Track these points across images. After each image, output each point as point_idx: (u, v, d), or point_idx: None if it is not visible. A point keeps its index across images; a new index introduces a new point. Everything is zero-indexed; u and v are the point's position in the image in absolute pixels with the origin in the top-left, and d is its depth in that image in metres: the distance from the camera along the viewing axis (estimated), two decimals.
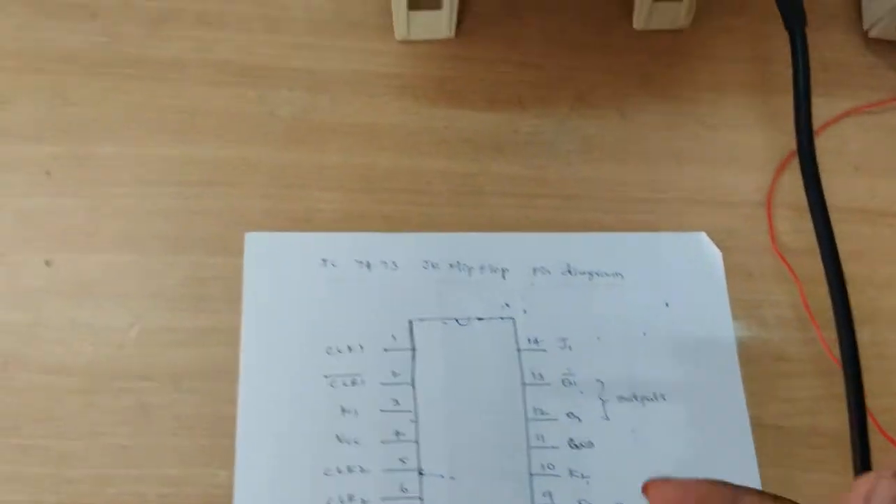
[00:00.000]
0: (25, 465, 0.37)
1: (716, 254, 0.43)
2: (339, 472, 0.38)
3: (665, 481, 0.27)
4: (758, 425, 0.40)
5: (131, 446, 0.38)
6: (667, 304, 0.42)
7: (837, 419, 0.40)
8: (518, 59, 0.46)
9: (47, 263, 0.40)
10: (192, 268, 0.41)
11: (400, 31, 0.46)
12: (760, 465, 0.39)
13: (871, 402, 0.39)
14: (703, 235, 0.44)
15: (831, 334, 0.40)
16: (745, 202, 0.45)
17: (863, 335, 0.40)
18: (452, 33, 0.46)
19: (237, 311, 0.40)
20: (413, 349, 0.41)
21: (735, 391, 0.41)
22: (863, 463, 0.38)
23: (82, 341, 0.39)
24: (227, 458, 0.38)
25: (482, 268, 0.42)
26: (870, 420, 0.39)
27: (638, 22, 0.47)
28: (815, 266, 0.42)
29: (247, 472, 0.38)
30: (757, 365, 0.41)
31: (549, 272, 0.43)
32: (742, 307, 0.42)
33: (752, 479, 0.39)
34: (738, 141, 0.46)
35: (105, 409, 0.38)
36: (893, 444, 0.40)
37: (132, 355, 0.39)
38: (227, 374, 0.39)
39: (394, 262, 0.42)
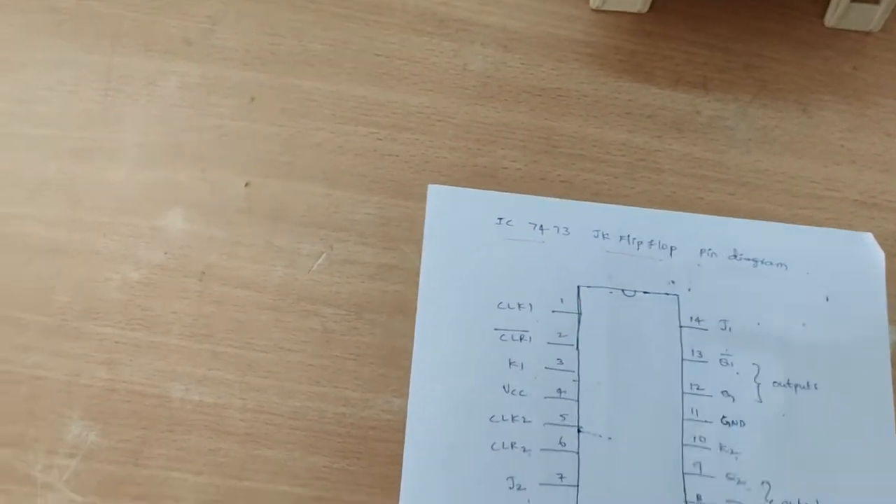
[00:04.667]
0: (217, 370, 0.40)
1: (879, 255, 0.44)
2: (504, 419, 0.40)
3: None
4: None
5: (314, 365, 0.40)
6: (827, 299, 0.43)
7: None
8: (706, 40, 0.47)
9: (246, 185, 0.42)
10: (379, 207, 0.43)
11: (595, 0, 0.47)
12: None
13: None
14: (870, 236, 0.44)
15: None
16: None
17: None
18: (646, 8, 0.47)
19: (418, 252, 0.42)
20: (579, 313, 0.42)
21: (884, 391, 0.42)
22: None
23: (275, 262, 0.41)
24: (401, 388, 0.40)
25: (651, 243, 0.44)
26: None
27: (830, 19, 0.47)
28: None
29: (420, 404, 0.40)
30: None
31: (715, 255, 0.44)
32: None
33: (891, 475, 0.40)
34: None
35: (292, 327, 0.41)
36: None
37: (319, 281, 0.41)
38: (405, 310, 0.41)
39: (566, 228, 0.44)
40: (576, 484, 0.39)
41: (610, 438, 0.40)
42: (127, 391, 0.39)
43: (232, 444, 0.39)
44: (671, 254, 0.44)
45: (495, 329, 0.42)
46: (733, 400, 0.41)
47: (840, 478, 0.40)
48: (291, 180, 0.43)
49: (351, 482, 0.39)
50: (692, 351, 0.42)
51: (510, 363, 0.41)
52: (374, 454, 0.39)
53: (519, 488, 0.39)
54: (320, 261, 0.42)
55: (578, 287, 0.43)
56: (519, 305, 0.42)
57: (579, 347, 0.42)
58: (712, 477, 0.40)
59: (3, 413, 0.38)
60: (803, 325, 0.43)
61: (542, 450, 0.40)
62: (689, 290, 0.43)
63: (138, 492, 0.38)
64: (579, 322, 0.42)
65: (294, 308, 0.41)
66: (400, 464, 0.39)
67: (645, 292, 0.43)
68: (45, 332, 0.39)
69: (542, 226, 0.44)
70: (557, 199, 0.44)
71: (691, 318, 0.43)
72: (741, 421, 0.41)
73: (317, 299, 0.41)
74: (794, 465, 0.40)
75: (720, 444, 0.41)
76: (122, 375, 0.39)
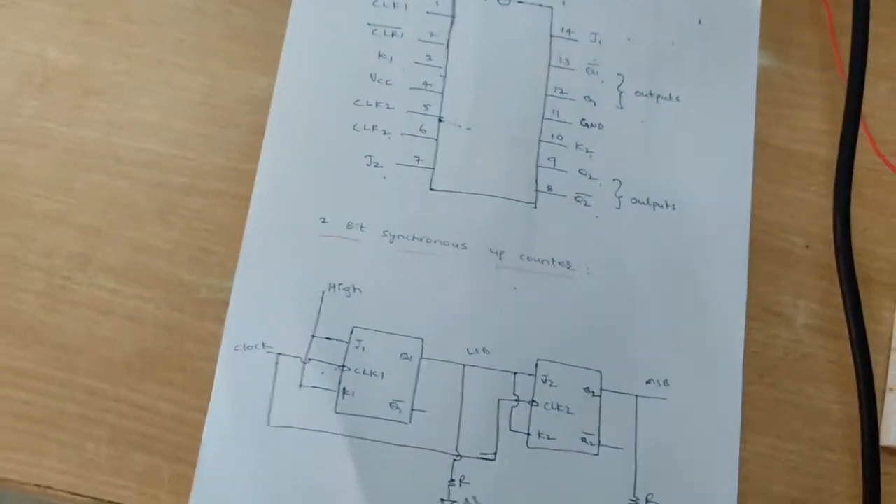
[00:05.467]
0: (90, 37, 0.41)
1: None
2: (368, 104, 0.42)
3: None
4: (762, 143, 0.42)
5: (185, 41, 0.42)
6: (699, 21, 0.44)
7: (835, 152, 0.42)
8: None
9: None
10: None
11: None
12: (755, 176, 0.42)
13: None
14: None
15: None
16: None
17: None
18: None
19: None
20: (453, 16, 0.43)
21: (747, 111, 0.43)
22: (845, 183, 0.41)
23: None
24: (270, 68, 0.41)
25: None
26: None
27: None
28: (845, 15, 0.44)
29: (286, 84, 0.42)
30: (774, 91, 0.43)
31: None
32: (771, 40, 0.44)
33: (744, 190, 0.42)
34: None
35: (165, 3, 0.42)
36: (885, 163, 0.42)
37: None
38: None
39: None
40: (432, 167, 0.41)
41: (469, 129, 0.42)
42: (4, 49, 0.41)
43: (98, 103, 0.40)
44: None
45: (368, 23, 0.43)
46: (595, 105, 0.43)
47: (693, 183, 0.42)
48: None
49: (213, 146, 0.41)
50: (560, 59, 0.43)
51: (379, 55, 0.43)
52: (238, 124, 0.41)
53: (376, 165, 0.41)
54: None
55: None
56: (394, 4, 0.43)
57: (449, 46, 0.43)
58: (565, 171, 0.42)
59: None
60: (672, 43, 0.44)
61: (402, 134, 0.42)
62: (564, 3, 0.44)
63: (6, 136, 0.40)
64: (452, 24, 0.43)
65: None
66: (262, 133, 0.40)
67: (519, 2, 0.44)
68: None
69: None
70: None
71: (563, 28, 0.44)
72: (600, 124, 0.42)
73: None
74: (648, 168, 0.42)
75: (576, 142, 0.42)
76: None
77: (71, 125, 0.40)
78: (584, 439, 0.38)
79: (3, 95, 0.40)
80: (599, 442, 0.38)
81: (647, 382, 0.39)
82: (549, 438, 0.38)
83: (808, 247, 0.41)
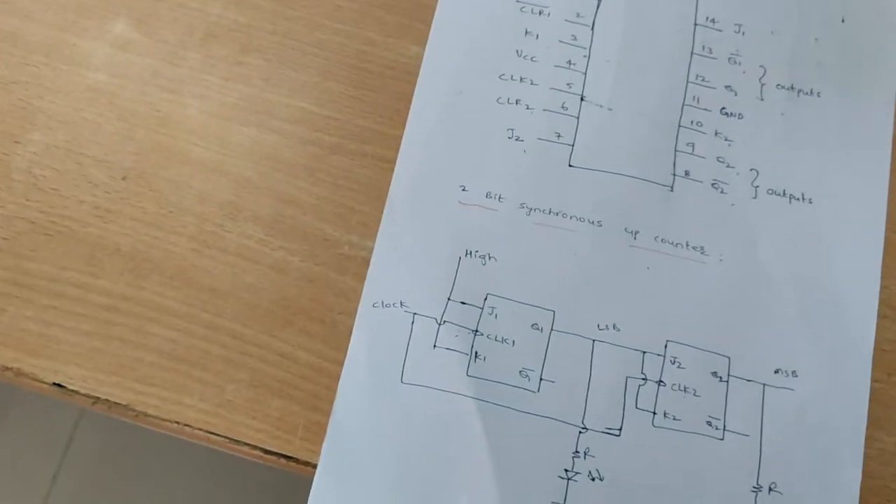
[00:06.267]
0: None
1: None
2: (513, 79, 0.43)
3: None
4: None
5: (343, 7, 0.43)
6: (843, 20, 0.44)
7: None
8: None
9: None
10: None
11: None
12: (891, 176, 0.42)
13: None
14: None
15: None
16: None
17: None
18: None
19: None
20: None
21: (886, 112, 0.43)
22: None
23: None
24: (421, 39, 0.42)
25: None
26: None
27: None
28: None
29: (436, 53, 0.43)
30: None
31: None
32: None
33: (880, 189, 0.42)
34: None
35: None
36: None
37: None
38: None
39: None
40: (571, 143, 0.42)
41: (610, 110, 0.42)
42: (168, 2, 0.42)
43: (256, 60, 0.42)
44: None
45: (516, 0, 0.44)
46: (735, 94, 0.43)
47: (830, 179, 0.42)
48: None
49: (363, 109, 0.42)
50: (703, 47, 0.44)
51: (526, 32, 0.43)
52: (387, 90, 0.42)
53: (517, 139, 0.42)
54: None
55: None
56: None
57: (594, 28, 0.44)
58: (703, 157, 0.42)
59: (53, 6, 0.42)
60: (816, 39, 0.44)
61: (544, 110, 0.42)
62: None
63: (168, 86, 0.41)
64: (598, 7, 0.44)
65: None
66: (409, 100, 0.41)
67: None
68: None
69: None
70: None
71: (707, 18, 0.44)
72: (740, 114, 0.43)
73: None
74: (786, 161, 0.42)
75: (716, 130, 0.42)
76: None
77: (229, 80, 0.41)
78: (709, 423, 0.38)
79: (166, 47, 0.42)
80: (725, 427, 0.38)
81: (776, 372, 0.39)
82: (674, 419, 0.38)
83: None
